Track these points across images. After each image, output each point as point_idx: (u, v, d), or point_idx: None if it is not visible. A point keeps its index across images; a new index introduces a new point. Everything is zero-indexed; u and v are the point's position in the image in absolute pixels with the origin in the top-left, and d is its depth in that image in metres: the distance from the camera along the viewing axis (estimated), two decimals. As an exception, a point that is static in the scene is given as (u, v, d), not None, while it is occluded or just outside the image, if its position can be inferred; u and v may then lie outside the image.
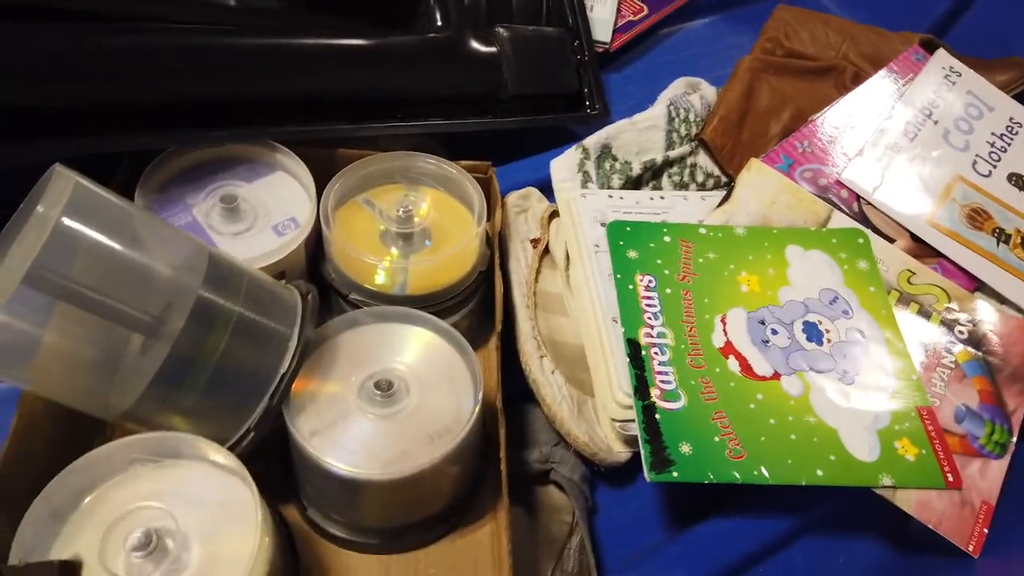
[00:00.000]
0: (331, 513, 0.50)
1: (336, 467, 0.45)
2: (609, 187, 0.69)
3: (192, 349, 0.44)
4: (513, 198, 0.67)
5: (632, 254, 0.60)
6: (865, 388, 0.54)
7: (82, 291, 0.42)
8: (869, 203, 0.66)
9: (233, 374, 0.45)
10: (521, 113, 0.74)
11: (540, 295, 0.62)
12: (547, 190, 0.69)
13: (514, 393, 0.56)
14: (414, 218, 0.57)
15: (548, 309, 0.62)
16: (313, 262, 0.59)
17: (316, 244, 0.59)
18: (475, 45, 0.71)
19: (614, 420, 0.54)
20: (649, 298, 0.57)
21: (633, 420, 0.53)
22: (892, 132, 0.70)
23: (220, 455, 0.43)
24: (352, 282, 0.56)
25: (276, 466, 0.51)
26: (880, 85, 0.73)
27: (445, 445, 0.46)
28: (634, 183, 0.71)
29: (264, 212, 0.59)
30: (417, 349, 0.51)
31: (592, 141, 0.71)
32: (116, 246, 0.43)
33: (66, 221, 0.40)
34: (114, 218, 0.44)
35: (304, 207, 0.59)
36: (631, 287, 0.58)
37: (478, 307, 0.60)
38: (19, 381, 0.44)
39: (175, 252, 0.46)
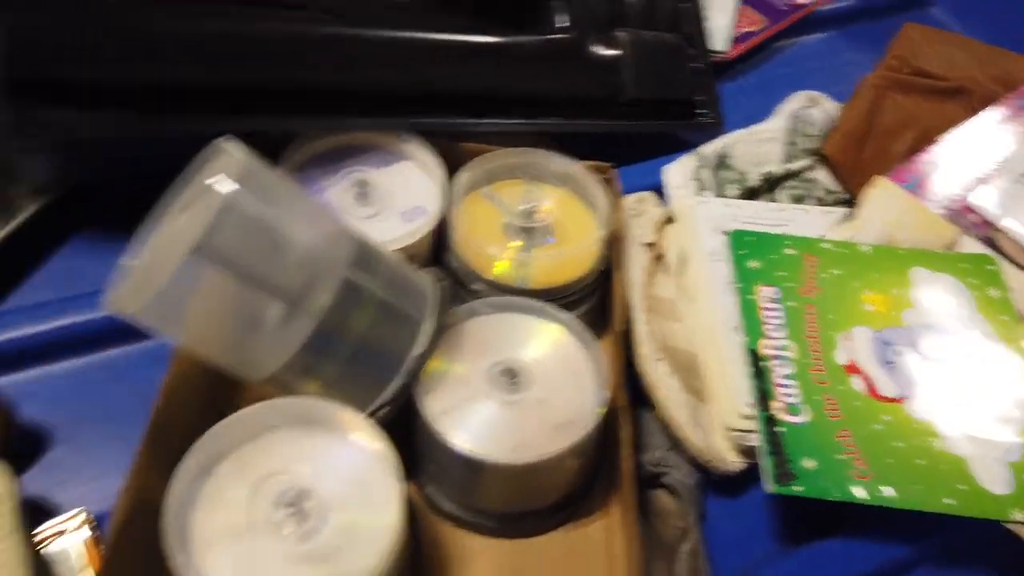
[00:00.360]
0: (450, 493, 0.51)
1: (462, 448, 0.46)
2: (726, 196, 0.69)
3: (337, 325, 0.45)
4: (629, 201, 0.67)
5: (753, 264, 0.59)
6: (996, 419, 0.53)
7: (240, 261, 0.44)
8: (998, 229, 0.64)
9: (373, 351, 0.47)
10: (636, 117, 0.75)
11: (653, 299, 0.62)
12: (657, 195, 0.70)
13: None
14: (538, 213, 0.58)
15: (661, 313, 0.62)
16: (435, 251, 0.61)
17: (439, 234, 0.60)
18: (597, 48, 0.72)
19: (731, 429, 0.54)
20: (771, 310, 0.57)
21: (751, 430, 0.53)
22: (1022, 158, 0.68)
23: (363, 427, 0.45)
24: (474, 273, 0.57)
25: (395, 443, 0.53)
26: (1011, 108, 0.72)
27: (571, 436, 0.47)
28: (750, 194, 0.70)
29: (391, 199, 0.60)
30: (541, 340, 0.52)
31: (709, 149, 0.71)
32: (276, 221, 0.45)
33: (234, 194, 0.42)
34: (276, 194, 0.46)
35: (431, 196, 0.61)
36: (751, 297, 0.58)
37: (594, 306, 0.61)
38: (174, 338, 0.47)
39: (325, 231, 0.48)
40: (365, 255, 0.48)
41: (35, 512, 0.50)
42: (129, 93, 0.55)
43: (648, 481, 0.55)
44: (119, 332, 0.61)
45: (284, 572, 0.42)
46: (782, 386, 0.53)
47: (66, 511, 0.52)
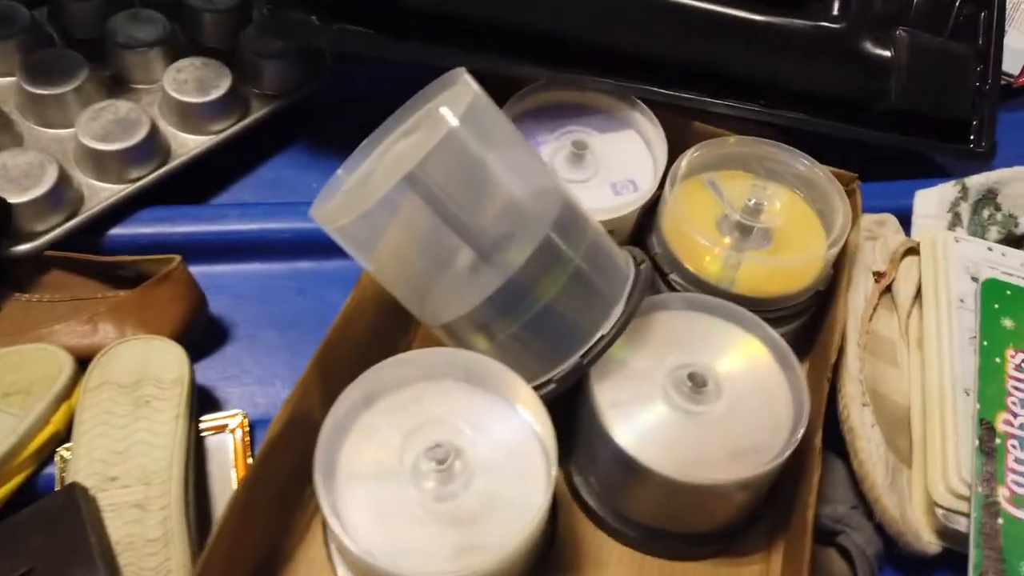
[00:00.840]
0: (598, 491, 0.47)
1: (626, 447, 0.43)
2: (984, 238, 0.60)
3: (526, 285, 0.43)
4: (867, 222, 0.59)
5: (1008, 323, 0.51)
6: None
7: (445, 198, 0.42)
8: None
9: (555, 321, 0.44)
10: (892, 129, 0.66)
11: (871, 336, 0.55)
12: (902, 222, 0.62)
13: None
14: (764, 213, 0.53)
15: (876, 354, 0.54)
16: (639, 230, 0.57)
17: (647, 212, 0.56)
18: (867, 45, 0.64)
19: (937, 505, 0.46)
20: (1020, 380, 0.48)
21: (961, 512, 0.45)
22: None
23: (530, 400, 0.42)
24: (677, 262, 0.53)
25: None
26: None
27: (751, 467, 0.42)
28: (1016, 241, 0.60)
29: (605, 167, 0.57)
30: (738, 353, 0.47)
31: (975, 181, 0.62)
32: (491, 165, 0.43)
33: (459, 129, 0.40)
34: (498, 137, 0.44)
35: (646, 171, 0.57)
36: (998, 360, 0.49)
37: (800, 327, 0.55)
38: (365, 263, 0.46)
39: (536, 186, 0.45)
40: (571, 218, 0.45)
41: (200, 400, 0.52)
42: (384, 13, 0.55)
43: (820, 536, 0.49)
44: (313, 246, 0.62)
45: (420, 525, 0.40)
46: (1015, 472, 0.45)
47: (227, 406, 0.54)
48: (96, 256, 0.55)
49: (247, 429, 0.50)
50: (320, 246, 0.62)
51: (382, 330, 0.52)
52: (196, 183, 0.64)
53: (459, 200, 0.43)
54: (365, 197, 0.42)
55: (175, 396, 0.47)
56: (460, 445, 0.41)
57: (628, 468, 0.44)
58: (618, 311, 0.45)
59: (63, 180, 0.56)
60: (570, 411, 0.48)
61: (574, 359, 0.44)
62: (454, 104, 0.40)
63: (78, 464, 0.44)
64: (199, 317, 0.55)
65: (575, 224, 0.45)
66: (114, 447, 0.45)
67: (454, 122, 0.40)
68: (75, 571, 0.40)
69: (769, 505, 0.48)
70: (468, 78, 0.43)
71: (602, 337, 0.44)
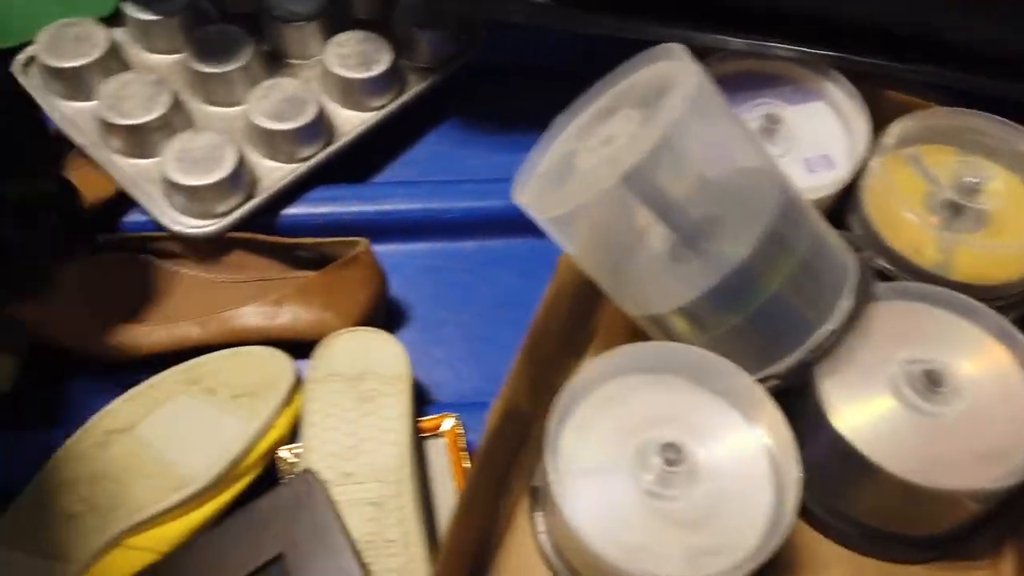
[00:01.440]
0: (817, 490, 0.46)
1: (857, 443, 0.41)
2: None
3: (751, 277, 0.41)
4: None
5: None
6: None
7: (663, 191, 0.41)
8: None
9: (779, 314, 0.42)
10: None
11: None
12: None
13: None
14: (980, 193, 0.49)
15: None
16: (832, 212, 0.54)
17: (842, 191, 0.53)
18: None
19: None
20: None
21: None
22: None
23: (764, 403, 0.41)
24: (884, 245, 0.50)
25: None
26: None
27: (995, 476, 0.40)
28: None
29: (797, 142, 0.54)
30: (972, 348, 0.44)
31: None
32: (714, 153, 0.41)
33: (684, 120, 0.38)
34: (719, 123, 0.42)
35: (841, 147, 0.54)
36: None
37: (1019, 320, 0.51)
38: (568, 248, 0.45)
39: (759, 171, 0.43)
40: (793, 204, 0.43)
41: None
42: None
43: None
44: (478, 226, 0.62)
45: (645, 525, 0.40)
46: None
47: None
48: (279, 238, 0.56)
49: (461, 432, 0.49)
50: (484, 225, 0.62)
51: (577, 316, 0.52)
52: (355, 162, 0.64)
53: (678, 192, 0.42)
54: (576, 187, 0.41)
55: (398, 393, 0.47)
56: (686, 444, 0.40)
57: (853, 465, 0.42)
58: (846, 303, 0.43)
59: (241, 161, 0.57)
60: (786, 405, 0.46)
61: (800, 353, 0.42)
62: (677, 92, 0.38)
63: (311, 456, 0.45)
64: (382, 301, 0.55)
65: (798, 210, 0.43)
66: (345, 441, 0.45)
67: (679, 114, 0.38)
68: (326, 559, 0.41)
69: (999, 510, 0.46)
70: (688, 58, 0.41)
71: (832, 331, 0.42)
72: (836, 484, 0.45)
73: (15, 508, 0.45)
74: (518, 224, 0.61)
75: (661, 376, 0.43)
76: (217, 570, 0.42)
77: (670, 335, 0.45)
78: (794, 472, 0.39)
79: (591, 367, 0.42)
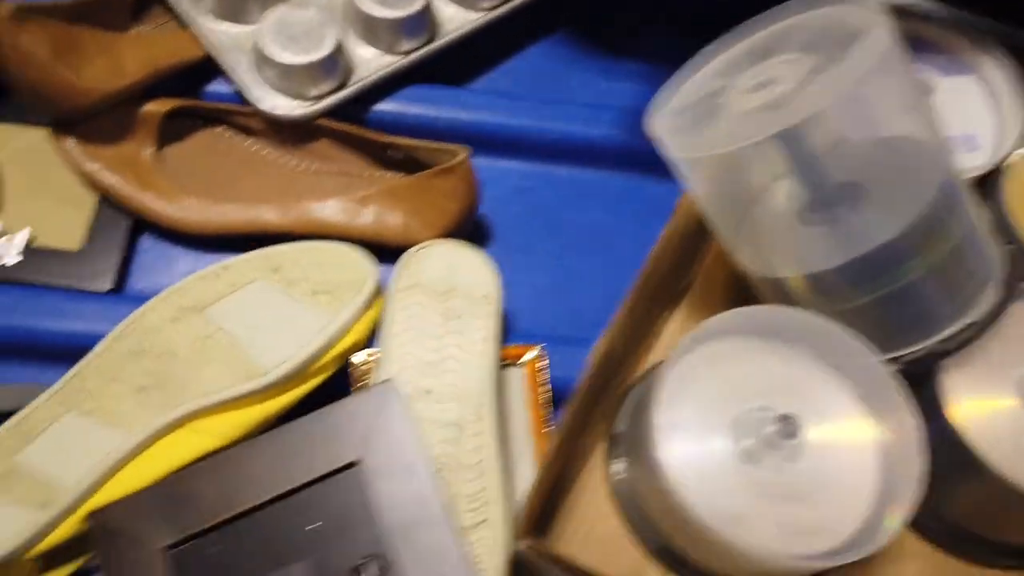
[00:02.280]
0: (940, 506, 0.44)
1: (971, 440, 0.39)
2: None
3: (899, 257, 0.39)
4: None
5: None
6: None
7: (818, 152, 0.38)
8: None
9: (918, 300, 0.40)
10: None
11: None
12: None
13: None
14: None
15: None
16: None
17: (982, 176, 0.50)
18: None
19: None
20: None
21: None
22: None
23: (881, 378, 0.39)
24: (1018, 238, 0.47)
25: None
26: None
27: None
28: None
29: (940, 118, 0.50)
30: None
31: None
32: (885, 118, 0.38)
33: (871, 78, 0.35)
34: (900, 88, 0.39)
35: (988, 126, 0.51)
36: None
37: None
38: (696, 190, 0.43)
39: (927, 143, 0.40)
40: (955, 187, 0.40)
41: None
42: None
43: None
44: (574, 152, 0.59)
45: (743, 493, 0.38)
46: None
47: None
48: (372, 132, 0.53)
49: (542, 365, 0.48)
50: (581, 153, 0.59)
51: (678, 265, 0.49)
52: (455, 64, 0.60)
53: (829, 152, 0.38)
54: (726, 130, 0.38)
55: (485, 315, 0.45)
56: (794, 415, 0.38)
57: (959, 460, 0.40)
58: (990, 297, 0.40)
59: (339, 45, 0.53)
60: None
61: (931, 343, 0.40)
62: (870, 42, 0.35)
63: (390, 367, 0.43)
64: (471, 216, 0.53)
65: (958, 193, 0.40)
66: (426, 357, 0.43)
67: (868, 68, 0.34)
68: (403, 475, 0.39)
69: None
70: (877, 5, 0.37)
71: (970, 325, 0.40)
72: (935, 478, 0.43)
73: (82, 371, 0.43)
74: (614, 156, 0.59)
75: (774, 343, 0.41)
76: (287, 468, 0.40)
77: (788, 301, 0.43)
78: (915, 467, 0.37)
79: (708, 323, 0.39)
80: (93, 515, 0.40)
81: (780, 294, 0.43)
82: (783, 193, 0.44)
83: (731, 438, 0.39)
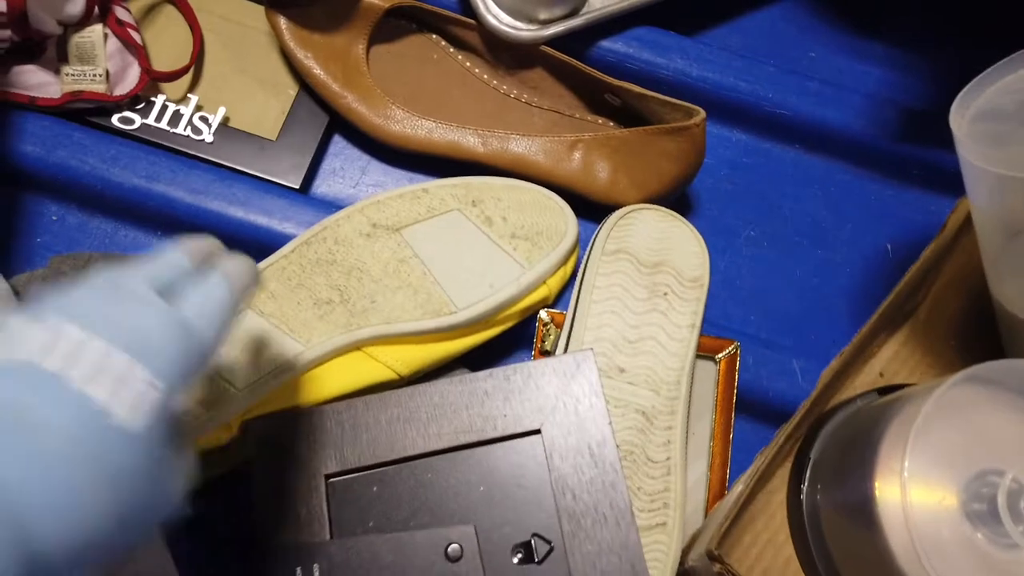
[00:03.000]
0: None
1: None
2: None
3: None
4: None
5: None
6: None
7: None
8: None
9: None
10: None
11: None
12: None
13: None
14: None
15: None
16: None
17: None
18: None
19: None
20: None
21: None
22: None
23: None
24: None
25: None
26: None
27: None
28: None
29: None
30: None
31: None
32: None
33: None
34: None
35: None
36: None
37: None
38: (974, 198, 0.37)
39: None
40: None
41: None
42: None
43: None
44: (808, 134, 0.53)
45: (967, 564, 0.33)
46: None
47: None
48: (596, 71, 0.48)
49: (737, 363, 0.43)
50: (812, 135, 0.53)
51: (914, 283, 0.44)
52: (689, 11, 0.55)
53: None
54: None
55: (694, 299, 0.40)
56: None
57: None
58: None
59: (580, -32, 0.48)
60: None
61: None
62: None
63: (584, 335, 0.40)
64: (686, 187, 0.48)
65: None
66: (626, 333, 0.40)
67: None
68: (589, 448, 0.36)
69: None
70: None
71: None
72: None
73: (265, 271, 0.41)
74: (849, 147, 0.53)
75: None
76: (463, 421, 0.37)
77: None
78: None
79: (979, 369, 0.34)
80: (253, 423, 0.38)
81: None
82: None
83: (965, 497, 0.34)
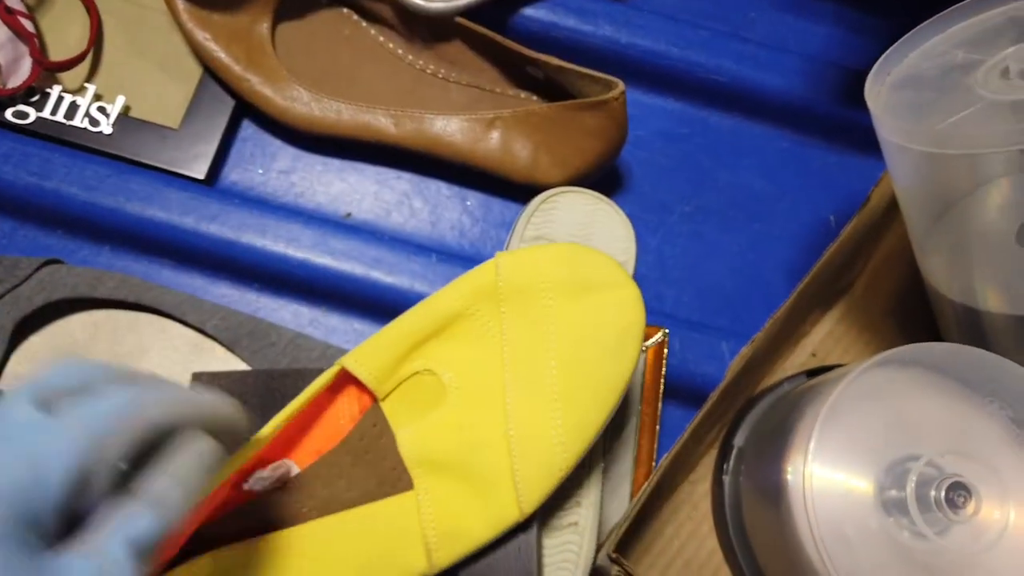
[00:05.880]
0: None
1: None
2: None
3: None
4: None
5: None
6: None
7: None
8: None
9: None
10: None
11: None
12: None
13: None
14: None
15: None
16: None
17: None
18: None
19: None
20: None
21: None
22: None
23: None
24: None
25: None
26: None
27: None
28: None
29: None
30: None
31: None
32: None
33: None
34: None
35: None
36: None
37: None
38: (897, 180, 0.36)
39: None
40: None
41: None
42: None
43: None
44: (741, 101, 0.52)
45: (882, 559, 0.33)
46: None
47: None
48: (515, 44, 0.47)
49: (664, 352, 0.42)
50: (749, 102, 0.52)
51: (845, 260, 0.43)
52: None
53: None
54: (977, 124, 0.31)
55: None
56: (968, 483, 0.33)
57: None
58: None
59: (495, -68, 0.47)
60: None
61: None
62: None
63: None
64: (610, 163, 0.47)
65: None
66: None
67: None
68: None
69: None
70: None
71: None
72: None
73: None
74: (789, 113, 0.52)
75: (960, 388, 0.35)
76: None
77: (977, 337, 0.36)
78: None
79: (892, 353, 0.33)
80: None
81: (971, 327, 0.37)
82: (1000, 199, 0.37)
83: (880, 485, 0.34)
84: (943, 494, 0.32)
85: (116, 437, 0.23)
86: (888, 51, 0.37)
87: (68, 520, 0.22)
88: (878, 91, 0.36)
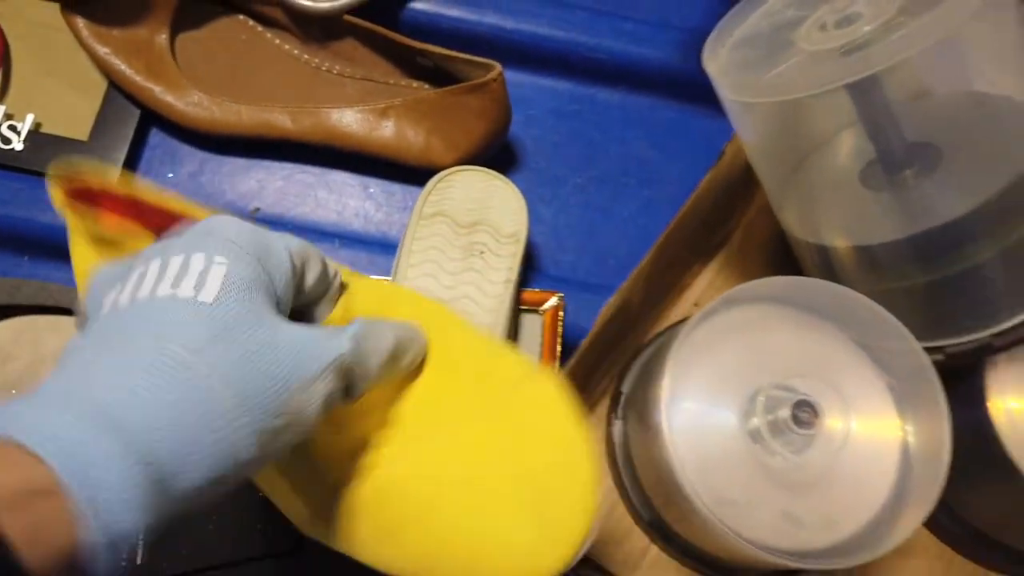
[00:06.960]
0: (960, 506, 0.42)
1: (1008, 440, 0.37)
2: None
3: (965, 237, 0.36)
4: None
5: None
6: None
7: (885, 99, 0.34)
8: None
9: (975, 287, 0.37)
10: None
11: None
12: None
13: None
14: None
15: None
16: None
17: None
18: None
19: None
20: None
21: None
22: None
23: (920, 369, 0.36)
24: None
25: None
26: None
27: None
28: None
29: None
30: None
31: None
32: (978, 71, 0.34)
33: (973, 24, 0.31)
34: (1004, 38, 0.34)
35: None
36: None
37: None
38: (745, 136, 0.40)
39: (1018, 108, 0.36)
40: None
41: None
42: None
43: None
44: (623, 75, 0.56)
45: (744, 474, 0.37)
46: None
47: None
48: (403, 37, 0.50)
49: (562, 316, 0.46)
50: (632, 76, 0.56)
51: (718, 215, 0.46)
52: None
53: (904, 107, 0.35)
54: (797, 73, 0.34)
55: (509, 255, 0.43)
56: (815, 402, 0.36)
57: (991, 460, 0.38)
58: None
59: (374, -67, 0.50)
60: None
61: (986, 335, 0.37)
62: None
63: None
64: (500, 141, 0.50)
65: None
66: (440, 294, 0.42)
67: (972, 12, 0.31)
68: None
69: None
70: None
71: (1033, 322, 0.36)
72: (959, 477, 0.41)
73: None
74: (669, 84, 0.56)
75: (808, 316, 0.39)
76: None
77: (830, 271, 0.40)
78: (940, 469, 0.35)
79: (738, 290, 0.37)
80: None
81: (823, 263, 0.41)
82: (844, 149, 0.41)
83: (743, 415, 0.38)
84: (790, 412, 0.36)
85: (308, 251, 0.28)
86: (728, 13, 0.41)
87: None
88: (718, 51, 0.39)
